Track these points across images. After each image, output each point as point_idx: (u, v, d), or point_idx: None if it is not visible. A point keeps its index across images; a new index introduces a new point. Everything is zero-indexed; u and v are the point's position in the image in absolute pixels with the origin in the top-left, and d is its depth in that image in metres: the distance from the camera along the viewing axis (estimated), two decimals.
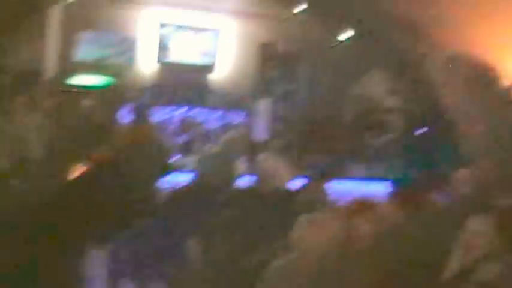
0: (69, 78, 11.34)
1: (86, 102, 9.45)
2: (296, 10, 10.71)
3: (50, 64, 11.02)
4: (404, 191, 5.43)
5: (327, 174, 7.21)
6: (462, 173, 7.48)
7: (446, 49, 9.97)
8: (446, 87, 10.21)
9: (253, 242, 5.21)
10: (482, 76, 10.00)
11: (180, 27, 12.82)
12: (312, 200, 5.95)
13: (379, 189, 7.53)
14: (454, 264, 3.73)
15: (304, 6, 10.44)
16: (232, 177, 7.08)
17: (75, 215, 5.26)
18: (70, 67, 11.69)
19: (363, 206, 3.98)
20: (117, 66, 12.28)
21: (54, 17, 11.10)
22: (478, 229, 3.59)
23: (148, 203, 7.03)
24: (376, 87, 12.50)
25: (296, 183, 6.66)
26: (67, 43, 11.76)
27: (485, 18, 8.91)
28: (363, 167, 10.80)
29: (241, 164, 7.79)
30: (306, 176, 6.82)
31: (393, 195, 5.42)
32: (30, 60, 9.76)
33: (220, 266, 5.14)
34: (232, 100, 12.85)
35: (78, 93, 9.98)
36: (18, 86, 4.79)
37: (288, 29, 12.54)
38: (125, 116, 11.02)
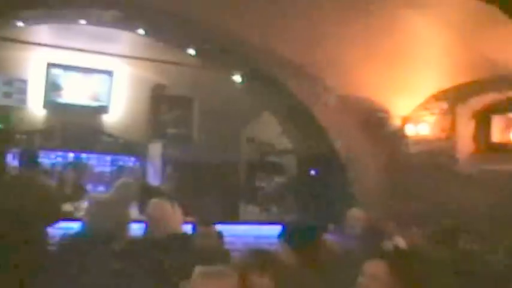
0: None
1: None
2: (188, 54, 10.74)
3: None
4: (298, 234, 5.45)
5: (219, 218, 7.17)
6: (354, 213, 7.64)
7: (337, 91, 10.22)
8: (338, 129, 10.44)
9: None
10: (372, 117, 10.29)
11: (70, 68, 12.59)
12: (205, 245, 5.89)
13: (272, 233, 7.56)
14: None
15: (194, 51, 10.50)
16: (124, 223, 6.93)
17: None
18: None
19: (259, 256, 3.95)
20: (4, 109, 11.90)
21: None
22: (373, 273, 3.63)
23: (36, 252, 6.78)
24: (268, 130, 12.65)
25: (188, 228, 6.58)
26: None
27: (372, 61, 9.20)
28: (256, 210, 10.82)
29: (133, 210, 7.66)
30: (197, 221, 6.76)
31: (287, 239, 5.43)
32: None
33: None
34: (124, 144, 12.67)
35: None
36: None
37: (181, 73, 12.58)
38: (12, 161, 10.70)
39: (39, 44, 12.00)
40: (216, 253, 5.60)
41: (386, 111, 10.27)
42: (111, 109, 12.91)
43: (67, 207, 8.51)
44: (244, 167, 13.33)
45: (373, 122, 10.32)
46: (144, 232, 7.05)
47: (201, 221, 6.31)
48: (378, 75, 9.47)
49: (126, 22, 10.22)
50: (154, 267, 5.37)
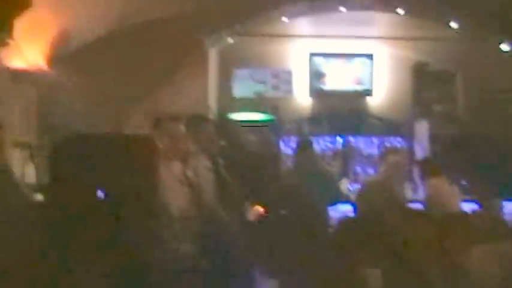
0: (230, 115, 11.79)
1: (249, 137, 9.76)
2: (448, 28, 10.48)
3: (212, 103, 11.50)
4: None
5: (500, 196, 6.94)
6: None
7: None
8: None
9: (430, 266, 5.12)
10: None
11: (331, 55, 12.93)
12: (488, 225, 5.76)
13: None
14: None
15: (457, 23, 10.18)
16: (397, 203, 7.01)
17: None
18: (230, 105, 12.14)
19: None
20: (273, 100, 12.55)
21: (214, 57, 11.61)
22: None
23: (318, 232, 7.10)
24: None
25: (466, 207, 6.49)
26: (226, 82, 12.25)
27: None
28: None
29: (405, 189, 7.71)
30: (475, 199, 6.62)
31: None
32: (196, 102, 10.28)
33: None
34: (390, 125, 12.72)
35: (241, 129, 10.33)
36: (190, 130, 5.01)
37: (442, 47, 12.33)
38: (286, 148, 11.34)
39: (301, 36, 12.53)
40: (501, 229, 5.45)
41: None
42: (373, 91, 13.04)
43: (342, 189, 8.80)
44: None
45: None
46: (421, 210, 7.07)
47: (480, 200, 6.19)
48: None
49: (385, 3, 10.25)
50: (432, 245, 5.38)
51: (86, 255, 3.02)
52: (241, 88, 12.50)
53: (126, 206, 3.04)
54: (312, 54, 12.87)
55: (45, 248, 3.05)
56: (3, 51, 7.29)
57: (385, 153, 7.69)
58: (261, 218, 5.91)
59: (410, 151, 12.24)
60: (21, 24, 5.52)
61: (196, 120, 5.66)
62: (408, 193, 7.82)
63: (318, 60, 12.94)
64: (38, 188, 5.36)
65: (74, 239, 3.02)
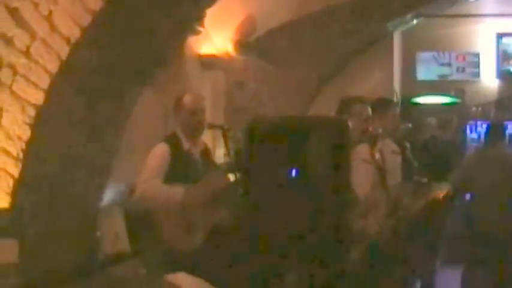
0: (414, 99, 11.68)
1: (433, 121, 9.62)
2: None
3: (396, 86, 11.43)
4: None
5: None
6: None
7: None
8: None
9: None
10: None
11: None
12: None
13: None
14: None
15: None
16: None
17: None
18: (414, 88, 12.02)
19: None
20: (459, 83, 12.25)
21: (397, 40, 11.53)
22: None
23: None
24: None
25: None
26: (409, 65, 12.12)
27: None
28: None
29: None
30: None
31: None
32: (380, 85, 10.30)
33: None
34: None
35: (425, 113, 10.25)
36: (376, 113, 5.00)
37: None
38: (472, 133, 11.08)
39: (488, 15, 12.06)
40: None
41: None
42: None
43: None
44: None
45: None
46: None
47: None
48: None
49: None
50: None
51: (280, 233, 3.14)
52: (425, 71, 12.32)
53: (318, 185, 3.11)
54: (500, 35, 12.38)
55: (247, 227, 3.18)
56: (194, 39, 7.66)
57: None
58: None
59: None
60: (210, 12, 5.79)
61: (382, 104, 5.64)
62: None
63: (506, 40, 12.43)
64: (228, 168, 5.60)
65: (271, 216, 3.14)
